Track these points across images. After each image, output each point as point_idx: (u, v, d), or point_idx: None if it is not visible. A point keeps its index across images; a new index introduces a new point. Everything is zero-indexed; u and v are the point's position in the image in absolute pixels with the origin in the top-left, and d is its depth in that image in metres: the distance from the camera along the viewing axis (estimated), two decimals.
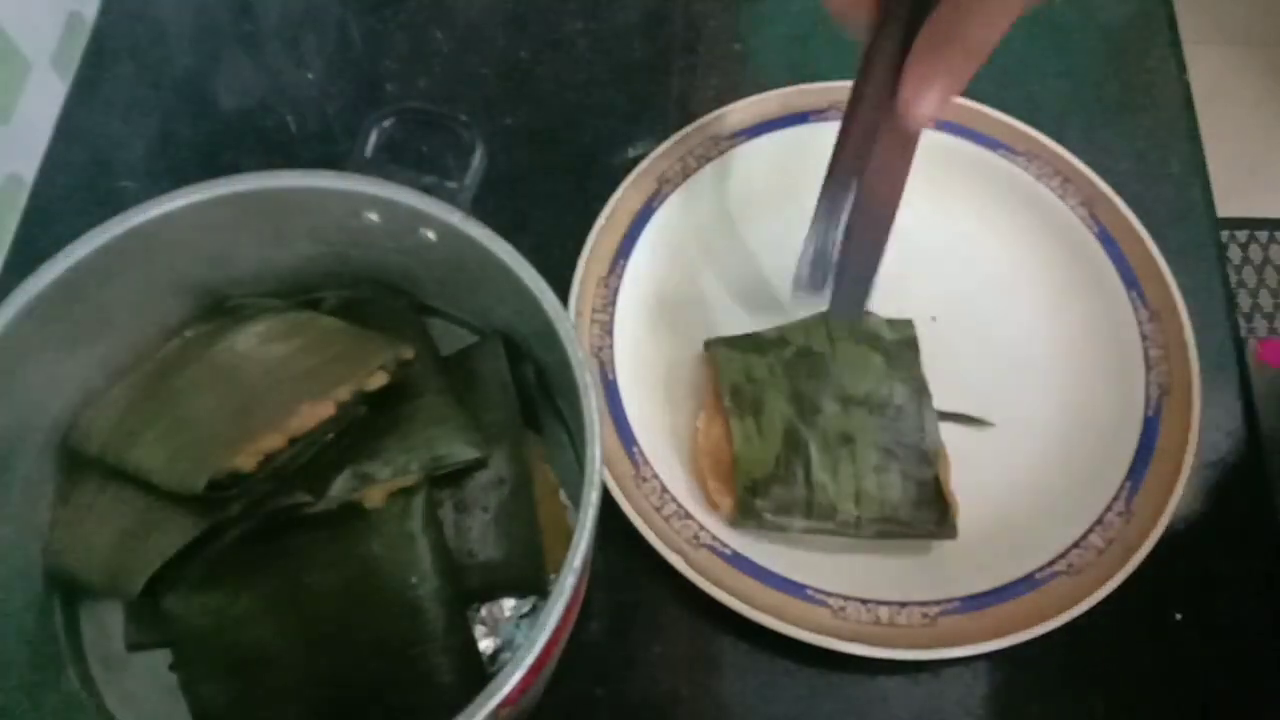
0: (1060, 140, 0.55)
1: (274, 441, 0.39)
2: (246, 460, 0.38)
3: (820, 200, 0.43)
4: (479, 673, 0.41)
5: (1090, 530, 0.46)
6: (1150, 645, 0.46)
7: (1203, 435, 0.47)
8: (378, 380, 0.42)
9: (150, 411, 0.41)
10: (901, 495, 0.47)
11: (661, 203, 0.54)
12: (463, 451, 0.42)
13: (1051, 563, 0.45)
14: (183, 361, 0.43)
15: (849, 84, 0.57)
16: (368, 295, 0.47)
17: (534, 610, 0.43)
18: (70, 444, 0.42)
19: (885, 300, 0.51)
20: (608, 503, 0.45)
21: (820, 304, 0.46)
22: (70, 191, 0.57)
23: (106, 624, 0.43)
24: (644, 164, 0.54)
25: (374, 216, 0.41)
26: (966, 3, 0.32)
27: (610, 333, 0.51)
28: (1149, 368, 0.50)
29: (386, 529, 0.41)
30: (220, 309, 0.46)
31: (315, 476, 0.41)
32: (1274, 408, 0.51)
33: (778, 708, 0.45)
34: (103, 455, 0.41)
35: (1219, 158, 0.61)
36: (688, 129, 0.55)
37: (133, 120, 0.60)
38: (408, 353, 0.43)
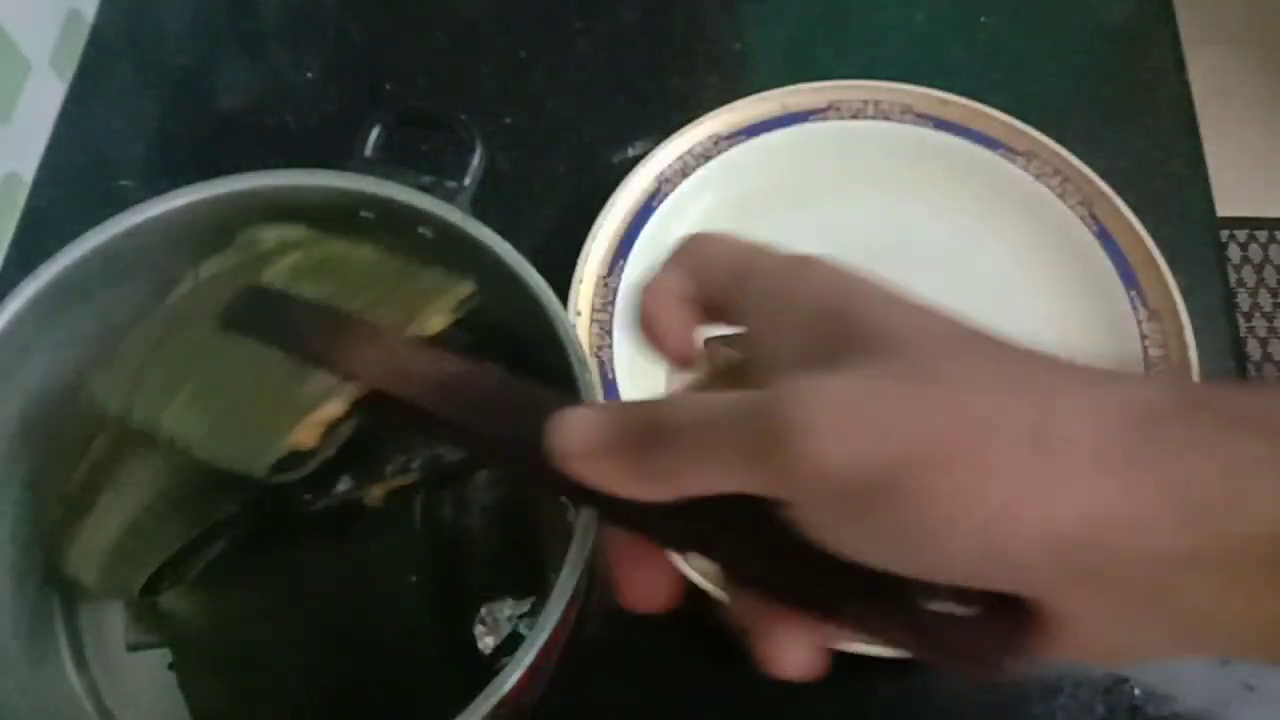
0: (1060, 140, 0.54)
1: (335, 409, 0.32)
2: (308, 435, 0.32)
3: None
4: (479, 672, 0.41)
5: None
6: None
7: None
8: (436, 324, 0.35)
9: (174, 369, 0.35)
10: None
11: (661, 202, 0.54)
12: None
13: None
14: (199, 310, 0.36)
15: (849, 83, 0.58)
16: None
17: (534, 610, 0.43)
18: (84, 408, 0.36)
19: None
20: None
21: None
22: (70, 191, 0.57)
23: (106, 624, 0.43)
24: (644, 164, 0.54)
25: (373, 216, 0.41)
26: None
27: (610, 333, 0.51)
28: (1149, 368, 0.50)
29: (386, 528, 0.41)
30: (233, 241, 0.40)
31: (315, 475, 0.41)
32: None
33: (777, 707, 0.45)
34: (126, 415, 0.35)
35: (1219, 158, 0.61)
36: (688, 129, 0.55)
37: (132, 120, 0.60)
38: (465, 290, 0.37)
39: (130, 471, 0.43)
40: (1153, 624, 0.19)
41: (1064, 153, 0.54)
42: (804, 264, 0.24)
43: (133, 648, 0.42)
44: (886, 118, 0.56)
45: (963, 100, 0.56)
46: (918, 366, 0.20)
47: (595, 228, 0.52)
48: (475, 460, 0.34)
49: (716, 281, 0.25)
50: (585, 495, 0.24)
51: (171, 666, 0.41)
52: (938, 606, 0.21)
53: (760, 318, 0.24)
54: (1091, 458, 0.18)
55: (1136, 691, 0.45)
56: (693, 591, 0.44)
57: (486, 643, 0.42)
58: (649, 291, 0.26)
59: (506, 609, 0.43)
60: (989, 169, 0.55)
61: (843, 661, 0.43)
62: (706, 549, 0.25)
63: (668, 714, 0.45)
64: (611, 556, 0.26)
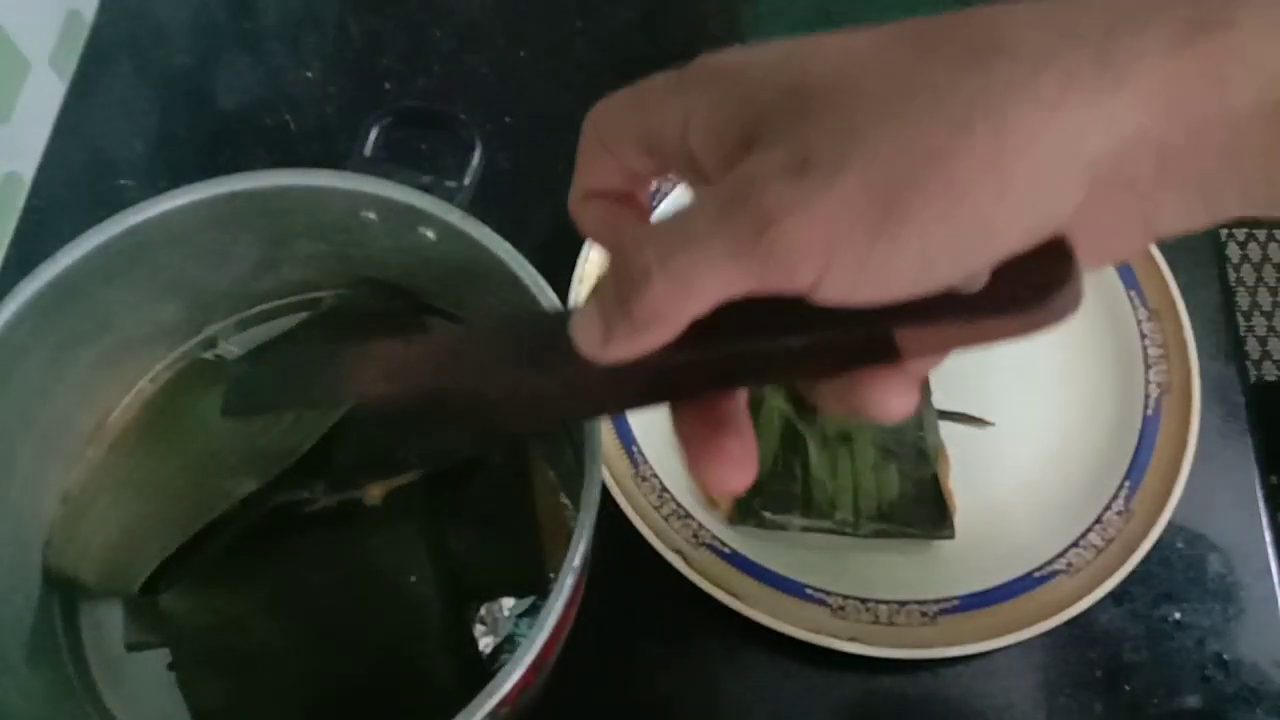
0: None
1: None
2: None
3: None
4: (479, 672, 0.41)
5: (1090, 529, 0.46)
6: (1150, 645, 0.46)
7: (1202, 435, 0.47)
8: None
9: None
10: (900, 494, 0.47)
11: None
12: (462, 449, 0.42)
13: (1051, 562, 0.45)
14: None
15: None
16: (367, 295, 0.47)
17: (534, 609, 0.43)
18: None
19: None
20: (607, 502, 0.45)
21: None
22: (69, 191, 0.57)
23: (106, 624, 0.43)
24: None
25: (373, 215, 0.41)
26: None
27: None
28: (1148, 367, 0.50)
29: (386, 527, 0.41)
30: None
31: (315, 474, 0.41)
32: None
33: (777, 707, 0.45)
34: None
35: None
36: None
37: (132, 119, 0.60)
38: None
39: (130, 471, 0.43)
40: (1184, 191, 0.20)
41: None
42: (702, 65, 0.22)
43: (132, 648, 0.42)
44: None
45: None
46: (869, 92, 0.20)
47: None
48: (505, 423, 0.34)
49: (631, 139, 0.23)
50: (621, 391, 0.25)
51: (171, 666, 0.41)
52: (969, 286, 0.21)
53: (680, 136, 0.22)
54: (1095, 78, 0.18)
55: (1135, 691, 0.45)
56: (691, 591, 0.44)
57: (486, 643, 0.42)
58: (575, 205, 0.25)
59: (506, 609, 0.43)
60: None
61: (842, 661, 0.44)
62: (757, 368, 0.24)
63: (667, 714, 0.45)
64: (687, 456, 0.25)
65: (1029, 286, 0.20)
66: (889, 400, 0.23)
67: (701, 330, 0.21)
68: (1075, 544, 0.46)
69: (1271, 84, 0.18)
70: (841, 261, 0.19)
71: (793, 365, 0.24)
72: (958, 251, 0.19)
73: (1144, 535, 0.45)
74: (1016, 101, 0.18)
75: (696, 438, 0.25)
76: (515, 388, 0.27)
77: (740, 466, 0.25)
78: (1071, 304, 0.21)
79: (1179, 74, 0.18)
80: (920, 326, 0.22)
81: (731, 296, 0.20)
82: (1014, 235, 0.19)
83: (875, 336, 0.22)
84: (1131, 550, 0.45)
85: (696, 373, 0.24)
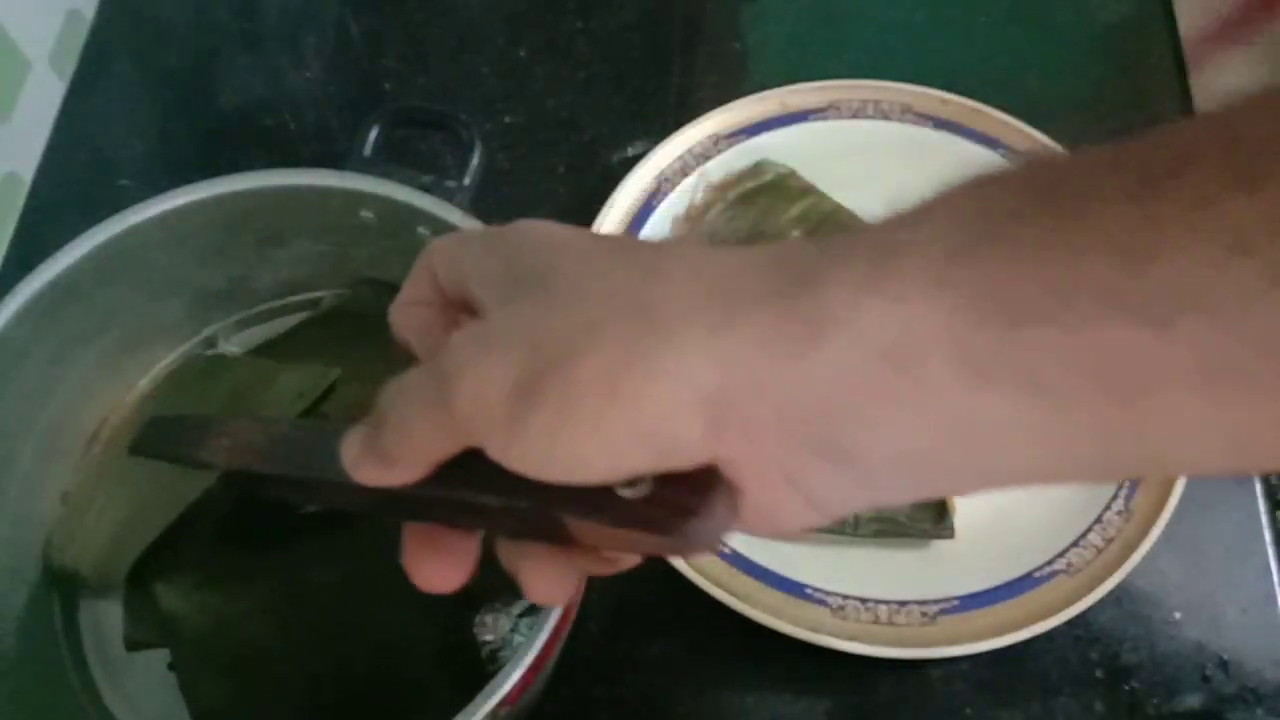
0: (1060, 140, 0.54)
1: None
2: None
3: None
4: (478, 672, 0.41)
5: (1090, 529, 0.46)
6: (1150, 645, 0.46)
7: None
8: None
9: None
10: None
11: (661, 201, 0.54)
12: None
13: (1051, 561, 0.45)
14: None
15: (849, 83, 0.58)
16: (367, 295, 0.47)
17: (534, 609, 0.43)
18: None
19: None
20: None
21: None
22: (69, 191, 0.57)
23: (106, 624, 0.43)
24: (643, 163, 0.54)
25: (372, 215, 0.41)
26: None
27: None
28: None
29: (386, 527, 0.41)
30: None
31: None
32: None
33: (777, 707, 0.45)
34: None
35: None
36: (687, 128, 0.55)
37: (132, 119, 0.60)
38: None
39: (129, 469, 0.43)
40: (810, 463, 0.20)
41: (1064, 152, 0.54)
42: (501, 230, 0.25)
43: (132, 647, 0.42)
44: (886, 118, 0.56)
45: (963, 100, 0.56)
46: (559, 291, 0.21)
47: (595, 227, 0.52)
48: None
49: (449, 275, 0.26)
50: (379, 505, 0.26)
51: (171, 666, 0.41)
52: (628, 492, 0.21)
53: (468, 286, 0.24)
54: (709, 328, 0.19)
55: (1135, 691, 0.45)
56: (691, 592, 0.44)
57: (486, 642, 0.42)
58: (396, 308, 0.27)
59: (506, 609, 0.43)
60: (989, 168, 0.55)
61: (843, 661, 0.44)
62: (481, 521, 0.26)
63: (667, 714, 0.45)
64: (406, 547, 0.26)
65: (667, 509, 0.21)
66: (541, 582, 0.24)
67: (448, 474, 0.23)
68: (1075, 544, 0.46)
69: (864, 337, 0.18)
70: (495, 426, 0.20)
71: (501, 523, 0.25)
72: (574, 446, 0.20)
73: (1144, 535, 0.45)
74: (645, 319, 0.20)
75: (425, 528, 0.26)
76: (329, 490, 0.28)
77: (450, 565, 0.26)
78: (705, 538, 0.21)
79: (774, 323, 0.19)
80: (575, 516, 0.22)
81: (450, 448, 0.22)
82: (629, 450, 0.20)
83: (545, 515, 0.23)
84: (1131, 550, 0.45)
85: (443, 509, 0.25)
